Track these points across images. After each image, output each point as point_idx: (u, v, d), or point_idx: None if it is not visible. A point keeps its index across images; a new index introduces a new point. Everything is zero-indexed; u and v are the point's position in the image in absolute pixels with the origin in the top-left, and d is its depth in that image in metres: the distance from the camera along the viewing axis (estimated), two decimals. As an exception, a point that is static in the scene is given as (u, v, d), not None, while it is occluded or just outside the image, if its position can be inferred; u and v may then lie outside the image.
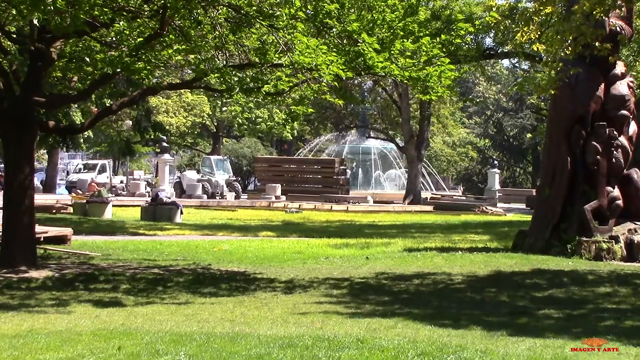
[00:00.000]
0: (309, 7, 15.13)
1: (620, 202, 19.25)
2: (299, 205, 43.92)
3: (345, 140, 67.20)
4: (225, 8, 15.09)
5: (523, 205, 49.51)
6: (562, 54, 15.79)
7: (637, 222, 19.26)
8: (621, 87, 19.70)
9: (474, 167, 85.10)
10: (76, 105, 33.73)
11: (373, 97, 62.18)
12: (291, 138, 73.51)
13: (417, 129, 53.58)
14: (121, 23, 14.98)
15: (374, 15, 15.45)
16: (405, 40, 15.36)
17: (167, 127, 61.09)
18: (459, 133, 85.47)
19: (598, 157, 19.11)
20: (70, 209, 33.71)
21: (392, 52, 15.10)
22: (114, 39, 15.93)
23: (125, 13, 14.87)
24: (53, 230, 20.69)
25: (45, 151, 62.19)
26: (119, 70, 14.79)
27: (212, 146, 74.69)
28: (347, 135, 67.82)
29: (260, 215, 36.18)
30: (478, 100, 70.26)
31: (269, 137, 78.05)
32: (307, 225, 31.19)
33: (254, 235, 25.45)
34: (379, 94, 62.88)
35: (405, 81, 15.68)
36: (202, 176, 53.01)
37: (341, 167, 54.83)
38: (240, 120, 67.12)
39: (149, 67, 15.33)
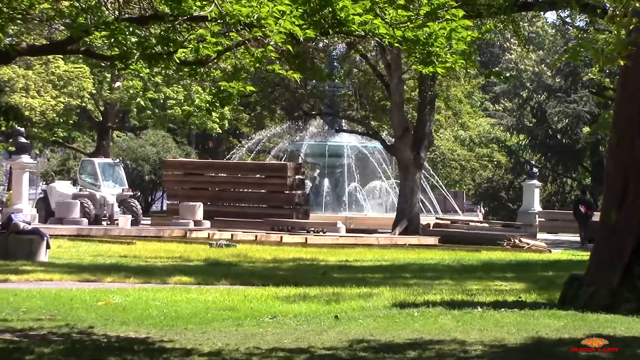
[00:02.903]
0: None
1: None
2: (232, 235, 43.84)
3: (303, 135, 67.19)
4: None
5: (577, 237, 49.80)
6: (637, 5, 15.90)
7: None
8: None
9: (501, 178, 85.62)
10: None
11: (347, 70, 62.34)
12: (220, 131, 73.50)
13: (414, 119, 53.78)
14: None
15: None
16: (396, -19, 15.43)
17: (27, 113, 60.84)
18: (478, 125, 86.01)
19: (692, 162, 19.28)
20: None
21: (377, -1, 15.14)
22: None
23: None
24: None
25: None
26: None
27: (96, 143, 74.48)
28: (307, 128, 67.82)
29: (171, 251, 36.16)
30: (509, 74, 70.68)
31: (186, 129, 77.99)
32: (243, 266, 31.16)
33: (161, 282, 25.43)
34: (356, 64, 63.06)
35: (396, 45, 15.71)
36: (80, 189, 52.82)
37: (297, 177, 54.85)
38: (141, 103, 67.01)
39: (-1, 21, 15.27)
